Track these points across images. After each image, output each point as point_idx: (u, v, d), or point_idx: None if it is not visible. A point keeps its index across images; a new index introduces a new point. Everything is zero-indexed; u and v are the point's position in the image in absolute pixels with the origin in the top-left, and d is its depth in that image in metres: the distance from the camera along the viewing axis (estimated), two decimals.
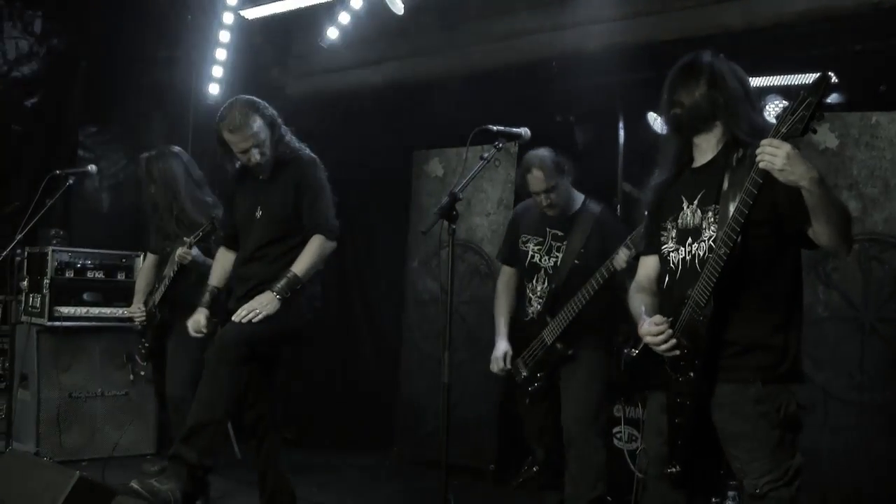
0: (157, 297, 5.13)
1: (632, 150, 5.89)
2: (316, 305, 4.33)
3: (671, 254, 3.00)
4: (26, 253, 6.21)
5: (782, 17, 4.82)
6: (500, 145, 3.55)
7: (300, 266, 4.11)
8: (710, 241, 2.82)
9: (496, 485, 5.95)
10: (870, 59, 4.90)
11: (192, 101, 7.11)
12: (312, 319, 4.35)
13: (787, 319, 2.82)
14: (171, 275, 5.01)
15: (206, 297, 4.46)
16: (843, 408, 4.75)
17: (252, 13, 6.68)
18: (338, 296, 7.31)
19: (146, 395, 6.24)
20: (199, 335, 4.42)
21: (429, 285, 6.75)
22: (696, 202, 2.94)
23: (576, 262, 4.37)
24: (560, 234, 4.49)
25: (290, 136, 4.34)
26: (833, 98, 5.05)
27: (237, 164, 4.36)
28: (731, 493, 4.25)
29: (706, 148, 3.00)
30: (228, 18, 6.77)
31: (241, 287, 4.30)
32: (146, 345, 5.28)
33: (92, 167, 5.81)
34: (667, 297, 3.00)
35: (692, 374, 2.78)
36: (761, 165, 2.50)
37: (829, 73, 2.42)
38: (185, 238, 4.83)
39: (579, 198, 4.55)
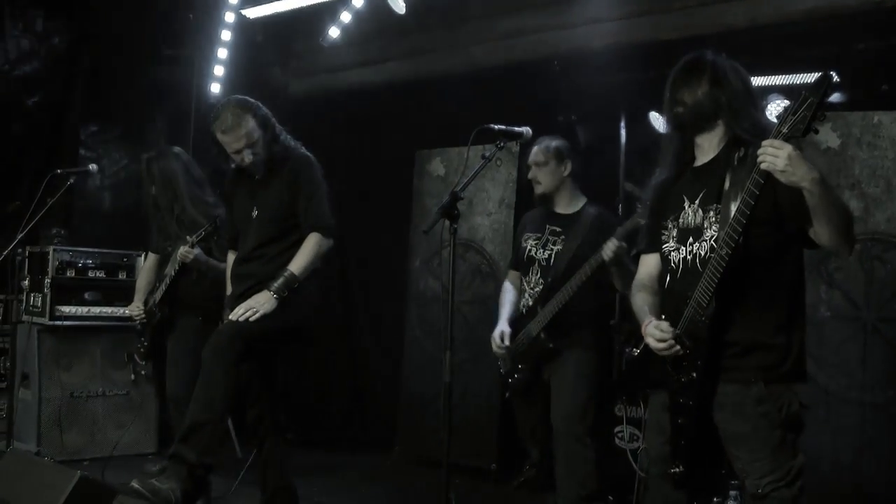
0: (158, 295, 5.13)
1: (634, 150, 5.89)
2: (314, 304, 4.33)
3: (672, 253, 3.00)
4: (27, 252, 6.21)
5: (785, 15, 4.82)
6: (502, 144, 3.55)
7: (297, 265, 4.11)
8: (712, 241, 2.82)
9: (497, 484, 5.94)
10: (872, 58, 4.90)
11: (194, 100, 7.10)
12: (311, 318, 4.34)
13: (789, 319, 2.81)
14: (172, 274, 5.00)
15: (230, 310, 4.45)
16: (845, 407, 4.74)
17: (254, 12, 6.68)
18: (339, 295, 7.31)
19: (147, 394, 6.24)
20: None
21: (430, 284, 6.74)
22: (697, 201, 2.94)
23: (573, 257, 4.35)
24: (558, 230, 4.49)
25: (285, 136, 4.33)
26: (835, 97, 5.04)
27: (232, 165, 4.36)
28: (732, 493, 4.24)
29: (708, 147, 2.99)
30: (230, 17, 6.77)
31: (238, 286, 4.30)
32: (145, 344, 5.28)
33: (93, 166, 5.81)
34: (668, 297, 3.00)
35: (694, 375, 2.78)
36: (763, 167, 2.50)
37: (831, 73, 2.42)
38: (187, 237, 4.82)
39: (581, 199, 4.56)
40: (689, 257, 2.92)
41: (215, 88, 6.97)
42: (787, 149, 2.45)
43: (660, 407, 2.96)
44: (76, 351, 6.18)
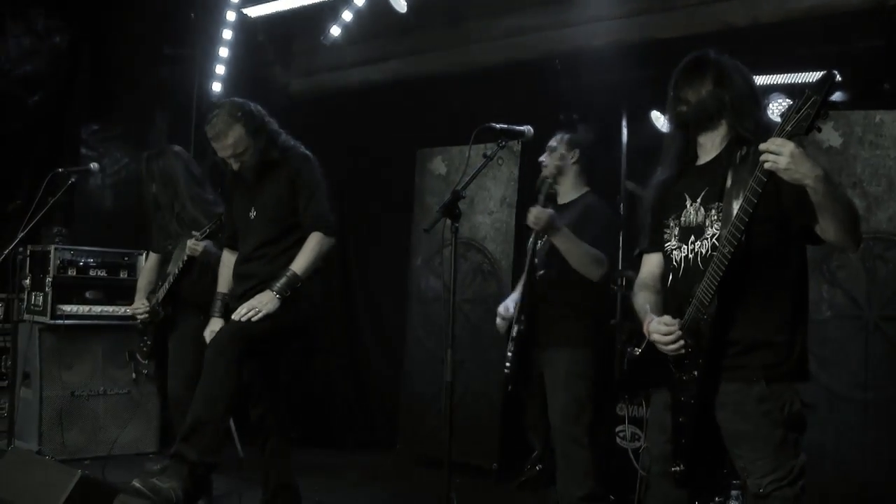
0: (161, 294, 5.13)
1: (635, 148, 5.88)
2: (316, 303, 4.32)
3: (674, 251, 2.99)
4: (29, 251, 6.21)
5: (786, 14, 4.81)
6: (504, 143, 3.55)
7: (299, 264, 4.11)
8: (714, 239, 2.82)
9: (499, 483, 5.94)
10: (874, 58, 4.89)
11: (195, 98, 7.11)
12: (313, 317, 4.34)
13: (792, 317, 2.81)
14: (176, 272, 5.01)
15: (219, 305, 4.44)
16: (847, 406, 4.73)
17: (255, 11, 6.68)
18: (341, 294, 7.31)
19: (148, 393, 6.24)
20: None
21: (432, 283, 6.74)
22: (699, 200, 2.93)
23: (553, 245, 4.33)
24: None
25: (284, 137, 4.33)
26: (837, 96, 5.01)
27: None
28: (734, 493, 4.24)
29: (710, 146, 2.99)
30: (231, 16, 6.78)
31: (241, 286, 4.31)
32: (148, 343, 5.28)
33: (94, 165, 5.82)
34: (670, 295, 3.00)
35: (696, 373, 2.77)
36: (766, 166, 2.49)
37: (835, 72, 2.41)
38: (193, 232, 4.83)
39: (581, 190, 4.53)
40: (690, 256, 2.91)
41: (216, 87, 6.98)
42: (790, 146, 2.44)
43: (661, 406, 2.96)
44: (77, 350, 6.18)
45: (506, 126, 3.55)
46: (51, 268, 6.07)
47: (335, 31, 6.36)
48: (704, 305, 2.72)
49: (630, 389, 4.65)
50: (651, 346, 2.94)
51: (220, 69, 6.95)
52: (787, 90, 5.08)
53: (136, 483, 3.71)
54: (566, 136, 4.52)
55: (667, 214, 3.05)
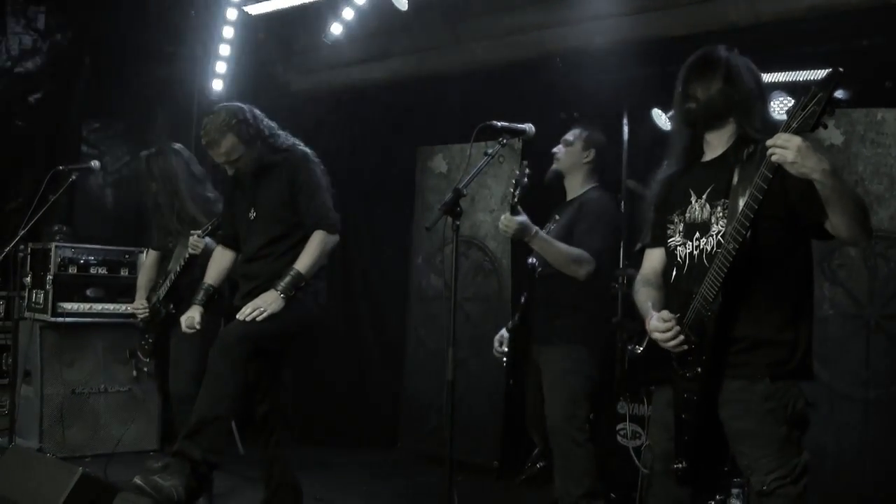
0: (162, 292, 5.13)
1: (636, 147, 5.88)
2: (322, 302, 4.33)
3: (678, 248, 2.99)
4: (29, 249, 6.21)
5: (788, 12, 4.80)
6: (505, 141, 3.55)
7: (303, 263, 4.11)
8: (719, 236, 2.81)
9: (500, 481, 5.94)
10: (876, 56, 4.88)
11: (196, 97, 7.10)
12: (318, 316, 4.34)
13: (796, 315, 2.81)
14: (178, 269, 5.01)
15: (202, 294, 4.44)
16: (848, 405, 4.74)
17: (255, 9, 6.67)
18: (342, 292, 7.30)
19: (149, 391, 6.24)
20: (191, 331, 4.40)
21: (433, 282, 6.75)
22: (704, 196, 2.93)
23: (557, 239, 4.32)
24: (558, 216, 4.49)
25: (285, 137, 4.33)
26: (839, 94, 5.03)
27: None
28: (735, 491, 4.24)
29: (717, 143, 2.99)
30: (232, 14, 6.76)
31: (245, 285, 4.31)
32: (149, 341, 5.28)
33: (95, 163, 5.81)
34: (674, 292, 2.99)
35: (699, 370, 2.77)
36: (773, 160, 2.49)
37: (840, 69, 2.41)
38: (192, 231, 4.83)
39: (586, 187, 4.52)
40: (695, 252, 2.91)
41: (217, 85, 6.97)
42: (797, 140, 2.44)
43: (664, 403, 2.96)
44: (78, 347, 6.18)
45: (507, 124, 3.55)
46: (52, 265, 6.07)
47: (336, 28, 6.35)
48: (708, 302, 2.72)
49: (631, 387, 4.65)
50: (653, 343, 2.93)
51: (220, 67, 6.94)
52: (789, 88, 5.08)
53: (138, 480, 3.71)
54: (584, 133, 4.50)
55: (671, 210, 3.04)
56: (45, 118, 7.02)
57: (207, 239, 4.80)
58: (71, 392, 6.10)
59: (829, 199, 2.54)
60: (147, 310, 5.22)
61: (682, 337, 2.79)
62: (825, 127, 2.48)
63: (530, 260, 4.45)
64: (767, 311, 2.77)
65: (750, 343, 2.77)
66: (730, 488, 4.25)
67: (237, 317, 4.07)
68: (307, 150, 4.35)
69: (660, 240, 3.11)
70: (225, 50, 6.90)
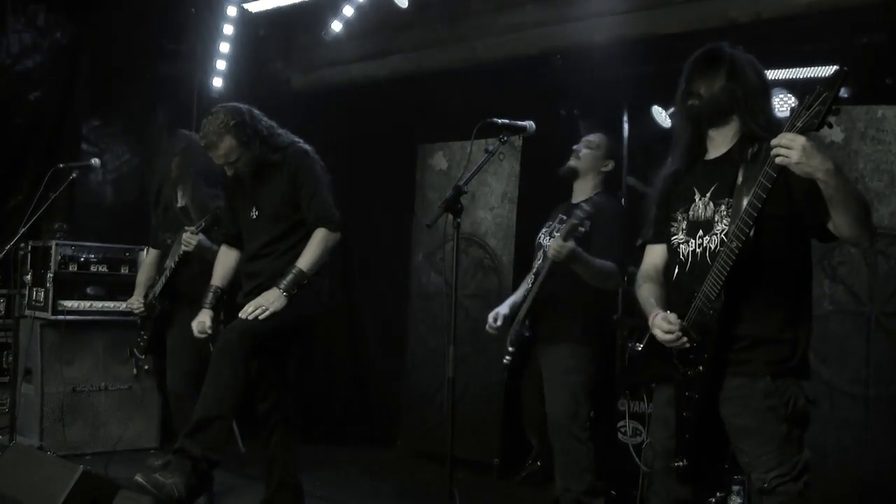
0: (158, 289, 5.13)
1: (636, 144, 5.88)
2: (324, 299, 4.32)
3: (681, 245, 2.98)
4: (30, 247, 6.21)
5: (789, 9, 4.80)
6: (505, 139, 3.54)
7: (305, 261, 4.11)
8: (722, 235, 2.81)
9: (500, 479, 5.94)
10: (876, 53, 4.88)
11: (196, 94, 7.10)
12: (321, 313, 4.34)
13: (797, 314, 2.81)
14: (172, 266, 5.01)
15: (210, 297, 4.43)
16: (848, 402, 4.73)
17: (256, 6, 6.67)
18: (342, 289, 7.31)
19: (149, 389, 6.24)
20: (202, 336, 4.40)
21: (433, 279, 6.74)
22: (708, 195, 2.92)
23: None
24: (565, 217, 4.49)
25: (285, 136, 4.32)
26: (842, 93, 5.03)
27: None
28: (735, 488, 4.24)
29: (721, 141, 2.98)
30: (232, 11, 6.76)
31: (248, 283, 4.31)
32: (145, 338, 5.28)
33: (95, 161, 5.81)
34: (676, 289, 2.99)
35: (701, 368, 2.77)
36: (777, 160, 2.48)
37: (846, 69, 2.40)
38: (186, 227, 4.83)
39: (595, 192, 4.52)
40: (698, 250, 2.91)
41: (217, 83, 6.97)
42: (801, 140, 2.43)
43: (665, 401, 2.96)
44: (78, 346, 6.18)
45: (507, 121, 3.54)
46: (52, 263, 6.07)
47: (336, 26, 6.35)
48: (711, 300, 2.72)
49: (631, 385, 4.65)
50: (653, 340, 2.93)
51: (220, 64, 6.95)
52: (789, 86, 5.08)
53: (139, 478, 3.71)
54: (606, 141, 4.52)
55: (674, 207, 3.04)
56: (45, 116, 7.03)
57: (201, 236, 4.80)
58: (71, 390, 6.10)
59: (832, 199, 2.54)
60: (143, 306, 5.22)
61: (684, 339, 2.79)
62: (830, 126, 2.47)
63: (537, 263, 4.47)
64: (769, 310, 2.77)
65: (751, 341, 2.77)
66: (730, 486, 4.25)
67: (239, 315, 4.07)
68: (307, 147, 4.34)
69: (662, 236, 3.11)
70: (225, 47, 6.90)
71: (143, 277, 5.42)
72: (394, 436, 6.86)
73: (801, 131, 2.45)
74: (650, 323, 2.93)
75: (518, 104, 5.15)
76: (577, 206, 4.43)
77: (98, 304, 6.24)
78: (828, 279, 4.84)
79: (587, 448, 4.23)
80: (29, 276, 6.20)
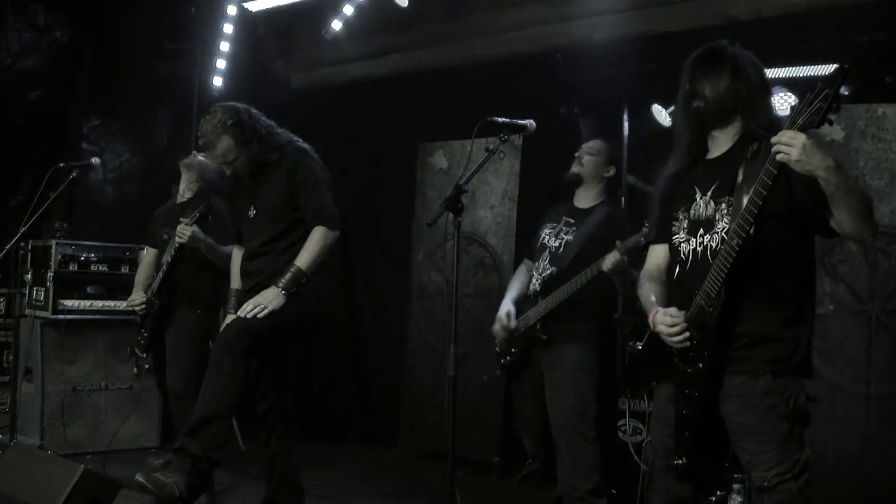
0: (156, 285, 5.14)
1: (636, 143, 5.87)
2: (324, 297, 4.32)
3: (682, 244, 2.98)
4: (30, 246, 6.22)
5: (789, 7, 4.80)
6: (506, 137, 3.54)
7: (303, 259, 4.10)
8: (723, 233, 2.80)
9: (501, 478, 5.95)
10: (876, 51, 4.87)
11: (196, 93, 7.11)
12: (320, 311, 4.34)
13: (798, 312, 2.80)
14: (168, 260, 5.01)
15: (232, 301, 4.42)
16: (849, 400, 4.73)
17: (256, 5, 6.68)
18: (342, 288, 7.31)
19: (150, 388, 6.22)
20: None
21: (434, 278, 6.74)
22: (709, 193, 2.92)
23: (581, 249, 4.36)
24: (572, 221, 4.52)
25: (284, 135, 4.32)
26: (843, 91, 5.02)
27: None
28: (735, 487, 4.24)
29: (723, 140, 2.97)
30: (232, 10, 6.76)
31: (247, 282, 4.31)
32: (145, 335, 5.28)
33: (95, 160, 5.81)
34: (677, 288, 2.98)
35: (701, 366, 2.77)
36: (778, 158, 2.48)
37: (846, 66, 2.40)
38: (181, 219, 4.85)
39: (600, 198, 4.57)
40: (699, 249, 2.90)
41: (217, 82, 6.97)
42: (801, 138, 2.43)
43: (665, 399, 2.95)
44: (79, 345, 6.19)
45: (508, 120, 3.54)
46: (52, 263, 6.07)
47: (336, 25, 6.34)
48: (711, 298, 2.72)
49: (632, 383, 4.65)
50: (653, 339, 2.93)
51: (220, 63, 6.95)
52: (789, 84, 5.07)
53: (140, 477, 3.71)
54: (606, 147, 4.58)
55: (676, 207, 3.03)
56: (46, 115, 7.03)
57: (195, 227, 4.80)
58: (72, 389, 6.10)
59: (833, 196, 2.53)
60: (142, 303, 5.22)
61: (687, 333, 2.80)
62: (831, 123, 2.47)
63: (542, 263, 4.48)
64: (770, 308, 2.77)
65: (752, 339, 2.76)
66: (730, 484, 4.25)
67: (238, 313, 4.07)
68: (305, 146, 4.33)
69: (664, 235, 3.11)
70: (225, 46, 6.90)
71: (141, 276, 5.42)
72: (394, 434, 6.86)
73: (802, 128, 2.44)
74: (650, 321, 2.93)
75: (518, 103, 5.15)
76: (584, 211, 4.47)
77: (98, 304, 6.25)
78: (828, 277, 4.84)
79: (594, 447, 4.26)
80: (29, 276, 6.21)
